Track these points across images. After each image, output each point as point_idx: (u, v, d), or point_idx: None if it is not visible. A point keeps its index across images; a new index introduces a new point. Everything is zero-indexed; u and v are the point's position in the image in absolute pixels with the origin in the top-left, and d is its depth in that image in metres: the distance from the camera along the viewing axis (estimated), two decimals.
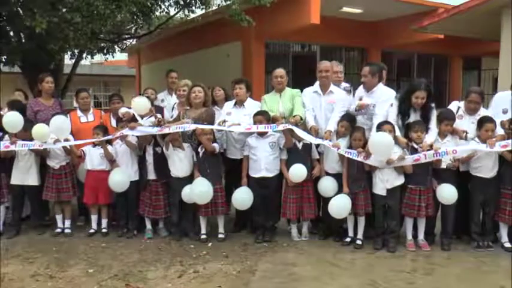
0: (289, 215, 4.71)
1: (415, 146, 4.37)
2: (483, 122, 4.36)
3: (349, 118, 4.62)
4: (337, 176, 4.61)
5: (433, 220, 4.59)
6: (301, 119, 4.66)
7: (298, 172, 4.49)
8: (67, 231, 4.97)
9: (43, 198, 4.97)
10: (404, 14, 10.53)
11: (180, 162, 4.72)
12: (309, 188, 4.69)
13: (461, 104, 4.64)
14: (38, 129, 4.63)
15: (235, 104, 5.01)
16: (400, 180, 4.42)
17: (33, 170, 4.88)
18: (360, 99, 4.70)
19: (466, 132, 4.45)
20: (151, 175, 4.83)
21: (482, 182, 4.41)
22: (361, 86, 4.83)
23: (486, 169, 4.39)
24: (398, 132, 4.43)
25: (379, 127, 4.39)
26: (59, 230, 4.97)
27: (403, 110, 4.50)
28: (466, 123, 4.54)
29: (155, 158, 4.80)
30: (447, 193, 4.35)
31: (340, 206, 4.41)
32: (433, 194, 4.42)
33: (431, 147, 4.33)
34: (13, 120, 4.64)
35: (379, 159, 4.32)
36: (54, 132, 4.70)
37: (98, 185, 4.87)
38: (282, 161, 4.72)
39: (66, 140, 4.79)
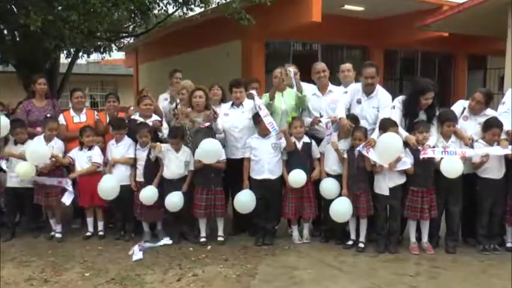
0: (289, 214, 4.66)
1: (419, 147, 4.28)
2: (490, 125, 4.28)
3: (351, 117, 4.54)
4: (337, 178, 4.55)
5: (438, 222, 4.50)
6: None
7: (297, 178, 4.47)
8: (58, 235, 4.84)
9: (34, 202, 4.89)
10: (407, 12, 10.41)
11: (171, 164, 4.63)
12: (309, 188, 4.63)
13: (467, 103, 4.53)
14: (21, 168, 4.52)
15: (232, 105, 4.96)
16: (402, 179, 4.36)
17: None
18: (359, 101, 4.60)
19: (473, 140, 4.35)
20: (139, 178, 4.79)
21: (491, 183, 4.32)
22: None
23: (494, 170, 4.31)
24: (405, 133, 4.33)
25: (384, 127, 4.27)
26: (53, 233, 4.88)
27: (411, 112, 4.41)
28: (472, 124, 4.45)
29: (146, 162, 4.74)
30: (452, 165, 4.15)
31: (341, 210, 4.36)
32: (435, 195, 4.34)
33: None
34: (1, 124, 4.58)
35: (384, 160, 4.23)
36: (32, 159, 4.55)
37: (91, 188, 4.77)
38: (283, 162, 4.67)
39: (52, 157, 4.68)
